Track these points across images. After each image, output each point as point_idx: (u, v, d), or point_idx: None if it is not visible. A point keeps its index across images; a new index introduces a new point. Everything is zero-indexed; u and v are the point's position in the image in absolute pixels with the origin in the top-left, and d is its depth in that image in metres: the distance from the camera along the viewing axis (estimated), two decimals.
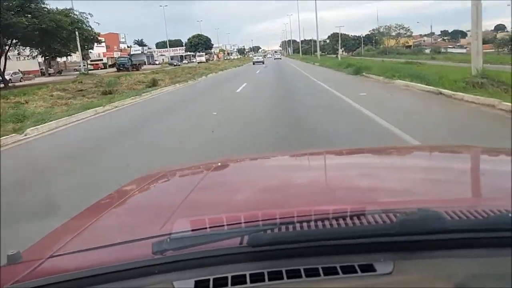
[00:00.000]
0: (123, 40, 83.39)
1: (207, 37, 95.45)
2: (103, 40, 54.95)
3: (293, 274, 0.72)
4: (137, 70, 47.95)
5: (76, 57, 59.49)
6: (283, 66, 39.39)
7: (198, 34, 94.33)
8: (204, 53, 74.63)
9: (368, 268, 0.72)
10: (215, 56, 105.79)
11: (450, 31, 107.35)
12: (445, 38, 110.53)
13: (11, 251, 0.85)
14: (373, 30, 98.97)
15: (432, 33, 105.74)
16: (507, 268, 0.70)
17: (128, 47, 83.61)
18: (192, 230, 0.82)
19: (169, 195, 1.37)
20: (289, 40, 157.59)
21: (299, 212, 0.84)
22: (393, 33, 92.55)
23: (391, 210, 0.83)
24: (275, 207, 1.01)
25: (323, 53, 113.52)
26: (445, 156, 1.71)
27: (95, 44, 38.91)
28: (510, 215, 0.76)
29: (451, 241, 0.75)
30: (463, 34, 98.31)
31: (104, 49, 71.94)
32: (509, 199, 0.88)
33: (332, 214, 0.82)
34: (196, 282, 0.72)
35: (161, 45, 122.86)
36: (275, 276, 0.72)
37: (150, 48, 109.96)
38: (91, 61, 57.72)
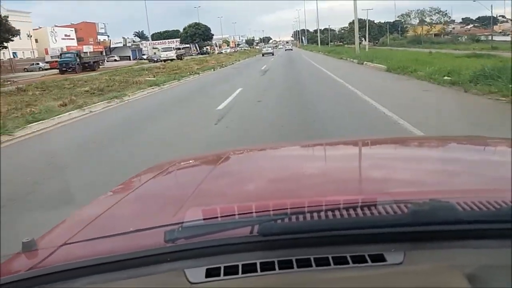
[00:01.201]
0: (102, 31, 67.62)
1: (205, 26, 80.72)
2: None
3: (304, 263, 0.73)
4: (93, 70, 37.56)
5: (30, 53, 41.92)
6: (298, 67, 26.77)
7: (196, 23, 79.55)
8: (174, 47, 58.02)
9: (378, 258, 0.73)
10: (216, 49, 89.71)
11: (474, 18, 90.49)
12: (476, 25, 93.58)
13: (26, 238, 0.88)
14: (401, 15, 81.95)
15: (453, 21, 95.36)
16: None
17: (108, 38, 67.74)
18: (204, 219, 0.84)
19: (180, 184, 1.42)
20: (302, 30, 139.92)
21: (309, 202, 0.86)
22: (427, 19, 75.30)
23: (403, 200, 0.83)
24: (286, 197, 1.02)
25: (340, 43, 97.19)
26: (457, 147, 1.70)
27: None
28: None
29: (462, 232, 0.76)
30: (494, 21, 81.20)
31: (74, 42, 55.54)
32: None
33: (343, 204, 0.83)
34: (207, 270, 0.74)
35: (156, 36, 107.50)
36: (286, 265, 0.73)
37: (147, 40, 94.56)
38: (52, 57, 42.25)
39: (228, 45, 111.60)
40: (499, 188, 1.01)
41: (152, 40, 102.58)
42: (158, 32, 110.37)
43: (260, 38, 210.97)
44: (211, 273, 0.73)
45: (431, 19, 79.07)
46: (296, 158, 1.68)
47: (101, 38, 71.95)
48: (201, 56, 57.36)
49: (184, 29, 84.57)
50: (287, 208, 0.82)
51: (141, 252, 0.78)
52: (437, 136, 3.08)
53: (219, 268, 0.74)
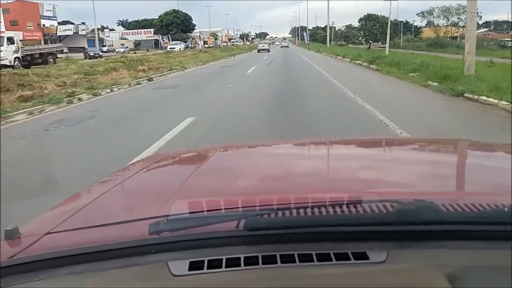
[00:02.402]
0: (49, 14, 50.84)
1: (186, 14, 65.21)
2: None
3: (287, 259, 0.74)
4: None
5: None
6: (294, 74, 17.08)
7: (174, 10, 63.96)
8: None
9: (361, 256, 0.74)
10: (200, 42, 73.72)
11: (481, 23, 77.42)
12: (490, 29, 79.80)
13: (9, 226, 0.87)
14: (421, 13, 66.58)
15: (486, 22, 78.57)
16: (500, 260, 0.72)
17: (58, 24, 51.23)
18: (190, 213, 0.85)
19: (169, 178, 1.42)
20: (301, 27, 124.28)
21: (296, 199, 0.86)
22: (454, 18, 60.17)
23: (388, 200, 0.84)
24: (273, 194, 1.03)
25: (343, 43, 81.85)
26: (445, 150, 1.75)
27: None
28: (506, 209, 0.78)
29: (446, 232, 0.77)
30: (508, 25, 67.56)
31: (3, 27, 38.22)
32: (506, 194, 0.90)
33: (329, 202, 0.83)
34: (191, 262, 0.74)
35: (134, 25, 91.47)
36: (269, 260, 0.74)
37: (112, 30, 78.52)
38: None
39: (215, 39, 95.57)
40: (484, 191, 1.05)
41: (129, 29, 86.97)
42: (135, 21, 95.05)
43: (256, 34, 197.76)
44: (195, 266, 0.73)
45: (459, 18, 63.77)
46: (286, 156, 1.70)
47: (47, 22, 55.29)
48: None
49: (159, 16, 68.90)
50: (273, 204, 0.83)
51: (124, 243, 0.78)
52: (427, 139, 2.85)
53: (203, 261, 0.74)
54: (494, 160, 1.48)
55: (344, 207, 0.82)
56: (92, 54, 38.67)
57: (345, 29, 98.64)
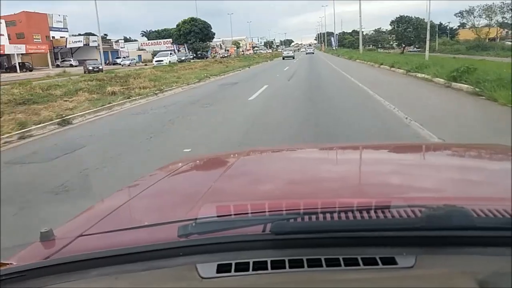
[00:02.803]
0: (59, 25, 47.83)
1: (204, 22, 60.81)
2: None
3: (314, 263, 0.73)
4: None
5: None
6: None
7: (192, 19, 59.78)
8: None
9: (389, 261, 0.73)
10: (220, 52, 69.54)
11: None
12: None
13: (44, 228, 0.90)
14: (460, 13, 60.14)
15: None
16: None
17: (68, 35, 48.32)
18: (218, 216, 0.86)
19: (196, 181, 1.44)
20: (327, 32, 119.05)
21: (323, 203, 0.87)
22: (498, 18, 53.73)
23: (417, 205, 0.83)
24: (300, 198, 1.03)
25: (373, 47, 76.06)
26: (475, 155, 1.69)
27: None
28: None
29: (475, 238, 0.75)
30: None
31: (4, 40, 35.57)
32: None
33: (356, 207, 0.83)
34: (218, 265, 0.74)
35: (154, 35, 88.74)
36: (296, 264, 0.73)
37: (135, 41, 75.68)
38: None
39: (237, 47, 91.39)
40: None
41: (148, 40, 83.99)
42: (155, 31, 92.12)
43: (281, 41, 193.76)
44: (222, 269, 0.74)
45: (504, 17, 57.11)
46: (312, 160, 1.68)
47: (56, 34, 52.05)
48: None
49: (177, 25, 64.98)
50: (300, 208, 0.83)
51: (154, 246, 0.79)
52: (456, 143, 2.93)
53: (230, 264, 0.74)
54: None
55: (372, 212, 0.81)
56: (91, 68, 34.52)
57: (372, 33, 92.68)
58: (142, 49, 71.62)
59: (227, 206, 0.90)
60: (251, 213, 0.85)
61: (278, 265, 0.73)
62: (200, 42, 64.85)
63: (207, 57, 54.50)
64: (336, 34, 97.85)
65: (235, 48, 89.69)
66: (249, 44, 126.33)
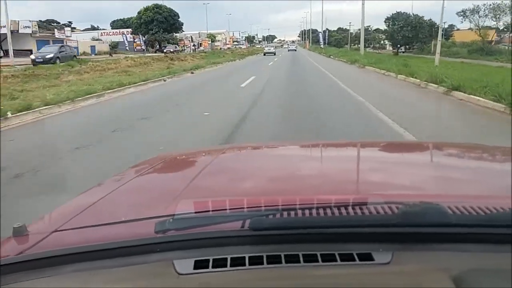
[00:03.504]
0: None
1: (170, 10, 50.49)
2: None
3: (292, 259, 0.74)
4: None
5: None
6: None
7: (155, 5, 49.31)
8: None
9: (366, 257, 0.74)
10: (190, 46, 59.78)
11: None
12: None
13: (17, 223, 0.87)
14: (462, 12, 51.45)
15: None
16: (505, 264, 0.71)
17: None
18: (195, 212, 0.86)
19: (175, 178, 1.42)
20: (310, 29, 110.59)
21: (301, 200, 0.86)
22: (507, 17, 45.50)
23: (394, 201, 0.84)
24: (279, 194, 1.03)
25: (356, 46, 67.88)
26: (450, 153, 1.72)
27: None
28: (511, 212, 0.78)
29: (451, 235, 0.77)
30: None
31: None
32: (511, 197, 0.90)
33: (334, 203, 0.84)
34: (196, 261, 0.74)
35: (119, 24, 78.30)
36: (274, 260, 0.74)
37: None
38: None
39: (212, 41, 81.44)
40: (490, 194, 1.04)
41: (112, 29, 73.47)
42: (121, 19, 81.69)
43: (264, 36, 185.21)
44: (200, 265, 0.74)
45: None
46: (292, 157, 1.67)
47: None
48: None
49: (138, 12, 54.63)
50: (278, 205, 0.84)
51: (130, 242, 0.78)
52: (435, 142, 2.76)
53: (208, 260, 0.74)
54: (500, 163, 1.47)
55: (350, 208, 0.81)
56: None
57: (358, 31, 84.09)
58: (97, 39, 61.17)
59: (205, 202, 0.89)
60: (230, 209, 0.83)
61: (256, 261, 0.73)
62: (165, 33, 54.60)
63: (169, 51, 44.29)
64: (325, 31, 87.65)
65: (209, 42, 79.64)
66: (230, 38, 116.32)
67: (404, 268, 0.72)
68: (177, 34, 58.67)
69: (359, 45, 74.76)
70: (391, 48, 67.86)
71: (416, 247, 0.75)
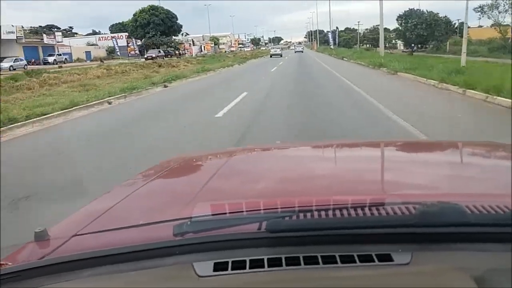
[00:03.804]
0: None
1: (168, 12, 47.37)
2: None
3: (311, 260, 0.74)
4: None
5: None
6: None
7: (151, 7, 45.85)
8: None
9: (385, 258, 0.73)
10: (193, 49, 56.61)
11: None
12: None
13: (38, 228, 0.90)
14: (479, 8, 47.38)
15: None
16: None
17: None
18: (212, 215, 0.87)
19: (190, 180, 1.43)
20: (317, 30, 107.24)
21: (317, 201, 0.87)
22: None
23: (411, 202, 0.84)
24: (294, 196, 1.04)
25: (370, 47, 63.78)
26: (470, 152, 1.70)
27: None
28: None
29: (470, 234, 0.77)
30: None
31: None
32: None
33: (351, 204, 0.84)
34: (215, 264, 0.75)
35: (117, 28, 75.67)
36: (293, 261, 0.74)
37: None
38: None
39: (215, 44, 78.05)
40: (510, 193, 1.01)
41: (111, 33, 70.38)
42: (119, 23, 78.63)
43: (270, 38, 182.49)
44: (219, 267, 0.74)
45: None
46: (306, 158, 1.67)
47: None
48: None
49: (134, 15, 51.40)
50: (295, 206, 0.84)
51: (149, 245, 0.79)
52: (450, 141, 2.85)
53: (227, 262, 0.75)
54: None
55: (367, 209, 0.81)
56: None
57: (365, 31, 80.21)
58: (93, 45, 58.04)
59: (221, 204, 0.89)
60: (246, 211, 0.84)
61: (274, 263, 0.73)
62: (162, 36, 51.15)
63: (150, 57, 39.70)
64: (334, 30, 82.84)
65: (212, 45, 76.22)
66: (235, 41, 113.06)
67: (424, 269, 0.72)
68: (176, 37, 55.15)
69: (367, 45, 70.56)
70: (402, 48, 63.73)
71: (435, 247, 0.75)
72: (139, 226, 0.89)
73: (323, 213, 0.81)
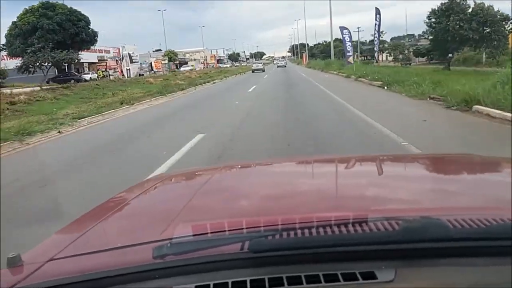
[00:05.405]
0: None
1: (71, 11, 27.33)
2: None
3: (294, 280, 0.77)
4: None
5: None
6: None
7: (42, 4, 25.09)
8: None
9: (369, 276, 0.77)
10: (130, 69, 35.30)
11: None
12: None
13: (11, 254, 0.90)
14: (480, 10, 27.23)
15: None
16: (508, 276, 0.73)
17: None
18: (193, 235, 0.88)
19: (171, 200, 1.46)
20: (301, 44, 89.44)
21: (300, 219, 0.90)
22: None
23: (394, 217, 0.88)
24: (277, 214, 1.08)
25: (370, 59, 43.94)
26: (448, 165, 1.80)
27: None
28: (511, 224, 0.84)
29: (453, 249, 0.80)
30: None
31: None
32: (510, 209, 0.96)
33: (334, 221, 0.87)
34: (196, 287, 0.77)
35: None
36: (276, 282, 0.77)
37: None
38: None
39: (169, 60, 57.80)
40: (490, 206, 1.08)
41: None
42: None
43: (251, 53, 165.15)
44: None
45: None
46: (289, 174, 1.74)
47: None
48: None
49: (18, 17, 31.55)
50: (278, 225, 0.87)
51: (128, 269, 0.80)
52: (431, 154, 2.98)
53: (209, 285, 0.76)
54: (499, 174, 1.51)
55: (350, 226, 0.84)
56: None
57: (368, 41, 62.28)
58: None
59: (203, 224, 0.89)
60: (228, 231, 0.84)
61: (257, 284, 0.75)
62: (58, 51, 28.76)
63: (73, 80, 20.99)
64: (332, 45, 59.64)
65: (164, 62, 56.14)
66: (211, 56, 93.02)
67: (409, 286, 0.73)
68: (88, 52, 35.10)
69: (365, 59, 52.04)
70: (417, 60, 44.31)
71: (419, 263, 0.77)
72: (118, 248, 0.88)
73: (306, 231, 0.83)
